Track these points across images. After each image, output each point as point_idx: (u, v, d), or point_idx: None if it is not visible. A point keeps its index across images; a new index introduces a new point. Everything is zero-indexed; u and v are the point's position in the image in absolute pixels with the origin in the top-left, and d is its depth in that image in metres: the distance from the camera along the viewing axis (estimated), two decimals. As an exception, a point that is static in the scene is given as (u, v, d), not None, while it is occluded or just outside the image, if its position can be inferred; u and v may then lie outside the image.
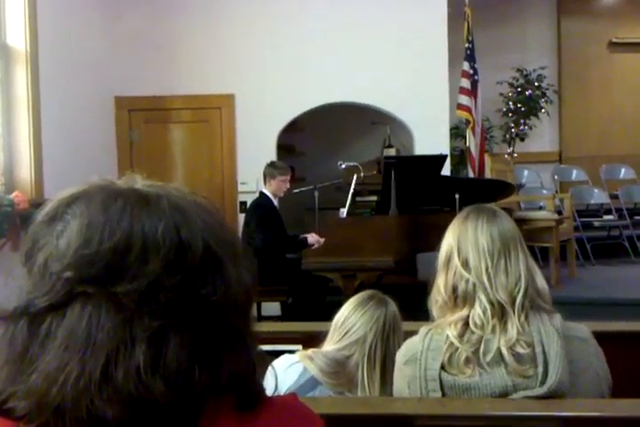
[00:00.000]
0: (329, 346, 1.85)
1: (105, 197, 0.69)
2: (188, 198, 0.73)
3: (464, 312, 1.54)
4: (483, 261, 1.56)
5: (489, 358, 1.49)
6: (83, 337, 0.64)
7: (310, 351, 1.84)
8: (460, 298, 1.56)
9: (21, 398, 0.63)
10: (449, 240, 1.63)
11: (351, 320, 1.85)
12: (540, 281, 1.59)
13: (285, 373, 1.78)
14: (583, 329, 1.60)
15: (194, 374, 0.66)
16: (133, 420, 0.63)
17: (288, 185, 5.13)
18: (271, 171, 5.08)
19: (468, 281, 1.55)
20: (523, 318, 1.51)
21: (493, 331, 1.50)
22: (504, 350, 1.48)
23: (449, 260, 1.60)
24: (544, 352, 1.47)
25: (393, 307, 1.90)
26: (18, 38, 4.62)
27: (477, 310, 1.53)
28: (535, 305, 1.55)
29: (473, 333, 1.51)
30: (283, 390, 1.70)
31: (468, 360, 1.50)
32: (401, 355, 1.65)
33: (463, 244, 1.59)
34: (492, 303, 1.52)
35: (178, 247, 0.67)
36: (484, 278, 1.54)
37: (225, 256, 0.71)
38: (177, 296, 0.66)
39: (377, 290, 1.99)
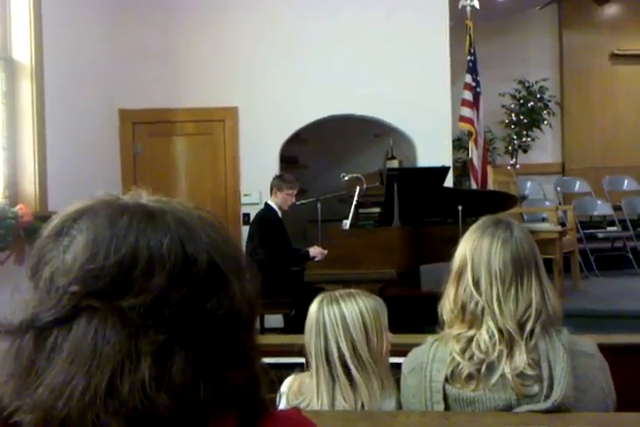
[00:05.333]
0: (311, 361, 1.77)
1: (111, 212, 0.70)
2: (193, 213, 0.74)
3: (470, 333, 1.53)
4: (494, 286, 1.54)
5: (493, 380, 1.48)
6: (88, 351, 0.64)
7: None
8: (467, 317, 1.55)
9: (28, 412, 0.64)
10: (464, 252, 1.60)
11: (309, 327, 1.76)
12: (553, 305, 1.56)
13: None
14: (589, 344, 1.58)
15: (198, 388, 0.66)
16: None
17: (294, 199, 5.12)
18: (279, 183, 5.07)
19: (477, 303, 1.54)
20: (531, 344, 1.50)
21: (500, 356, 1.49)
22: (509, 377, 1.47)
23: (461, 273, 1.59)
24: (549, 367, 1.47)
25: (353, 306, 1.72)
26: (23, 52, 4.65)
27: (484, 335, 1.51)
28: (545, 328, 1.53)
29: (476, 353, 1.51)
30: None
31: (470, 376, 1.49)
32: (407, 363, 1.64)
33: (476, 261, 1.57)
34: (500, 331, 1.51)
35: (183, 261, 0.68)
36: (494, 305, 1.53)
37: (229, 270, 0.72)
38: (182, 310, 0.67)
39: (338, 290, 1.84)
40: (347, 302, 1.75)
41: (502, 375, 1.48)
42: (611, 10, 8.83)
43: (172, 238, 0.69)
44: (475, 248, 1.59)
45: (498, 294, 1.53)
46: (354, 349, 1.69)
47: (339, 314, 1.72)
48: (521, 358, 1.47)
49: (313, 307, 1.79)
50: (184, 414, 0.65)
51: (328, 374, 1.71)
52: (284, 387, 1.81)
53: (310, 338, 1.74)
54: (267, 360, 2.18)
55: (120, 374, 0.63)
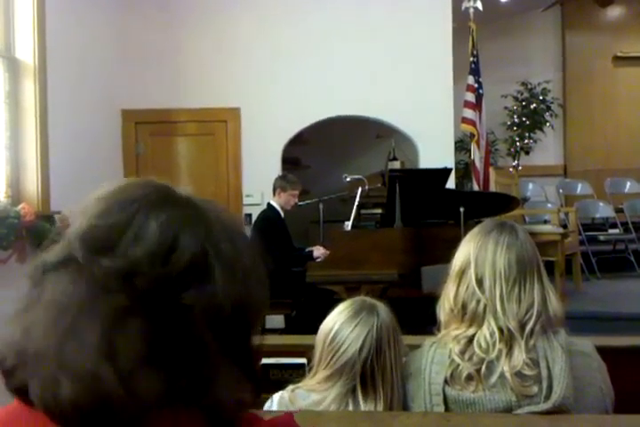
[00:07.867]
0: (320, 373, 1.63)
1: (161, 199, 0.75)
2: (223, 215, 0.78)
3: (470, 332, 1.53)
4: (498, 284, 1.54)
5: (492, 380, 1.48)
6: (59, 300, 0.67)
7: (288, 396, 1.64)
8: (468, 315, 1.55)
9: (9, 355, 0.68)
10: (467, 251, 1.60)
11: (340, 337, 1.61)
12: (555, 307, 1.56)
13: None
14: (587, 344, 1.59)
15: (142, 367, 0.65)
16: (85, 399, 0.63)
17: (297, 200, 5.13)
18: (283, 184, 5.09)
19: (479, 302, 1.54)
20: (531, 344, 1.50)
21: (499, 355, 1.49)
22: (508, 376, 1.47)
23: (464, 271, 1.59)
24: (548, 368, 1.47)
25: (384, 314, 1.65)
26: (26, 52, 4.66)
27: (485, 332, 1.51)
28: (544, 328, 1.54)
29: (476, 352, 1.51)
30: None
31: (470, 377, 1.49)
32: (405, 367, 1.64)
33: (480, 261, 1.57)
34: (500, 329, 1.51)
35: (168, 245, 0.70)
36: (497, 303, 1.53)
37: (224, 268, 0.71)
38: (153, 288, 0.67)
39: (365, 297, 1.74)
40: (379, 308, 1.66)
41: (501, 375, 1.48)
42: (614, 12, 8.83)
43: (169, 221, 0.71)
44: (479, 249, 1.59)
45: (501, 293, 1.54)
46: (394, 357, 1.62)
47: (383, 321, 1.63)
48: (519, 357, 1.48)
49: (341, 316, 1.65)
50: (128, 393, 0.64)
51: (359, 385, 1.58)
52: (275, 406, 1.65)
53: (341, 347, 1.60)
54: (267, 361, 2.18)
55: (75, 329, 0.65)
